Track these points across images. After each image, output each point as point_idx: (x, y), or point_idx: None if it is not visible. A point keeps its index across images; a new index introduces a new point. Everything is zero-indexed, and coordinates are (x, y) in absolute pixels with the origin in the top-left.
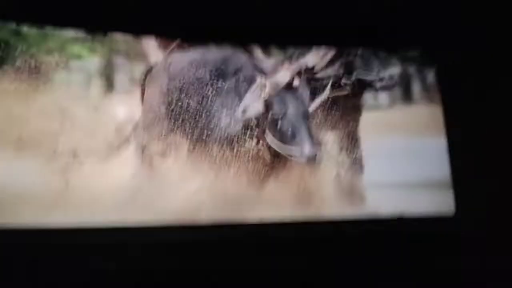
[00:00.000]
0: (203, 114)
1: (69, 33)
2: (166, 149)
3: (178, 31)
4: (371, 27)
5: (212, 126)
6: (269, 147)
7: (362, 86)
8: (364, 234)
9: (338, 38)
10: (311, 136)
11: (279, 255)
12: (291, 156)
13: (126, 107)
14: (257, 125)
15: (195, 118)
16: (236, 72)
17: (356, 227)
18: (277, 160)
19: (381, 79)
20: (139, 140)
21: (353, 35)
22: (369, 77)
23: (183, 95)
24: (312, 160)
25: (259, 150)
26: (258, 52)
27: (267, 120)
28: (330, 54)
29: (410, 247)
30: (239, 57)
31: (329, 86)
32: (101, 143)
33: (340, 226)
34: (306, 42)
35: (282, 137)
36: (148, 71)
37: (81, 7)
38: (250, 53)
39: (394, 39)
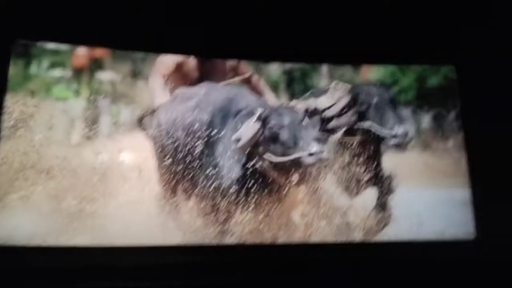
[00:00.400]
0: (206, 157)
1: (55, 72)
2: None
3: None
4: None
5: (216, 167)
6: (272, 169)
7: (375, 139)
8: (385, 258)
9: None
10: (314, 138)
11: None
12: (298, 160)
13: (109, 151)
14: (255, 149)
15: (200, 159)
16: (239, 111)
17: (377, 250)
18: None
19: (394, 136)
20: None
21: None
22: (383, 132)
23: (185, 137)
24: (321, 157)
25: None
26: (268, 93)
27: (265, 139)
28: (344, 101)
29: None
30: (245, 97)
31: (341, 131)
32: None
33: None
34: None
35: (285, 149)
36: (150, 113)
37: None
38: (260, 94)
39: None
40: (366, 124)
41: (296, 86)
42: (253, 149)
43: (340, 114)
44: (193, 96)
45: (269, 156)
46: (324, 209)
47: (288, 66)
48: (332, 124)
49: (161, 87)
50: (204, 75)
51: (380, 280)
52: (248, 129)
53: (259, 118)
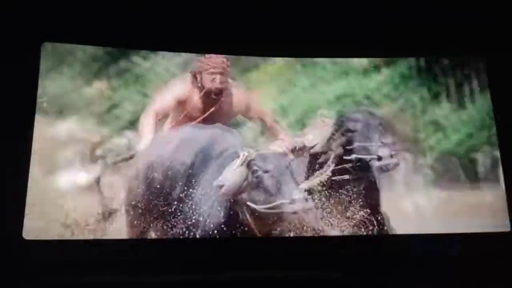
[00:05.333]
0: (188, 200)
1: None
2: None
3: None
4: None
5: (197, 214)
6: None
7: (362, 167)
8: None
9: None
10: (298, 184)
11: None
12: (280, 209)
13: None
14: (237, 196)
15: (181, 204)
16: (222, 153)
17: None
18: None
19: (379, 158)
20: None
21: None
22: (368, 156)
23: (164, 180)
24: (303, 206)
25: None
26: (282, 133)
27: (248, 184)
28: (328, 131)
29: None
30: (226, 138)
31: (330, 167)
32: None
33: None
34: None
35: (267, 196)
36: (127, 158)
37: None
38: (275, 135)
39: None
40: (353, 148)
41: None
42: (236, 196)
43: (327, 147)
44: (172, 139)
45: (251, 204)
46: None
47: None
48: (320, 160)
49: (151, 129)
50: (209, 116)
51: (413, 273)
52: (232, 174)
53: (243, 163)
